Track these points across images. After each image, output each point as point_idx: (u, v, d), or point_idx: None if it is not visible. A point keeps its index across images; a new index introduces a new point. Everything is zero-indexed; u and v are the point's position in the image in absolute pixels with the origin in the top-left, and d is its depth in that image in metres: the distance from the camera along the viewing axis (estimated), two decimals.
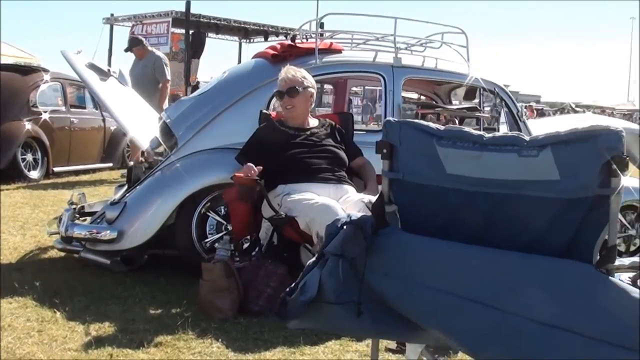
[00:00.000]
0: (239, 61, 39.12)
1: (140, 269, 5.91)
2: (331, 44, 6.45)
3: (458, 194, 2.68)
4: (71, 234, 5.82)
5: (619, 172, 2.41)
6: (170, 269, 5.97)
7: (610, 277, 2.46)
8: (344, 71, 6.43)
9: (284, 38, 35.19)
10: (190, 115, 6.19)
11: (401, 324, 2.70)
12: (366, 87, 28.95)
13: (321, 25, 12.01)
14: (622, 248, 6.89)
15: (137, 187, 5.98)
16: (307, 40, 6.82)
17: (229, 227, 5.81)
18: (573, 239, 2.54)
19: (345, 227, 2.75)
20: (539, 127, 6.72)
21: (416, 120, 2.75)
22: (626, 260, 2.59)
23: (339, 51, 6.41)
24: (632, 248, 6.94)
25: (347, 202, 5.11)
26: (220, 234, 5.85)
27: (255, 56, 6.79)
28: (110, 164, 13.01)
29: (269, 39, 35.89)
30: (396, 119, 2.81)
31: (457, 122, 7.32)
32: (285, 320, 2.76)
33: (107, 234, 5.69)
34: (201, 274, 5.00)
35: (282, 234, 5.23)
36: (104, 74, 6.39)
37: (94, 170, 12.75)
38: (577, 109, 49.01)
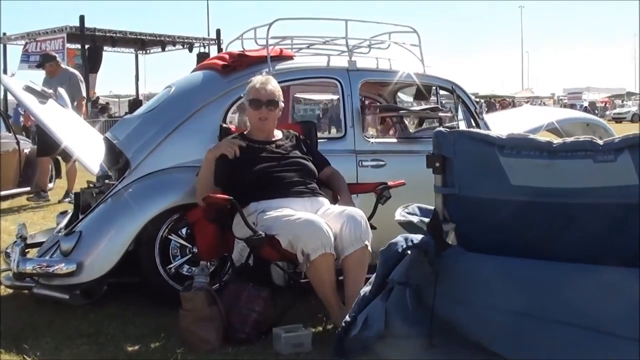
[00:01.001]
0: (137, 73, 38.67)
1: (100, 301, 5.53)
2: (281, 50, 6.19)
3: (524, 206, 2.49)
4: (24, 270, 5.40)
5: None
6: (133, 297, 5.64)
7: None
8: (298, 78, 6.13)
9: (181, 47, 35.01)
10: (140, 134, 5.84)
11: (476, 354, 2.49)
12: None
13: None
14: None
15: (90, 214, 5.60)
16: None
17: (194, 250, 5.51)
18: None
19: (408, 251, 2.52)
20: (492, 124, 6.61)
21: (473, 130, 2.53)
22: None
23: (291, 57, 6.16)
24: None
25: (327, 215, 4.88)
26: (185, 258, 5.54)
27: (200, 67, 6.47)
28: (28, 188, 12.39)
29: (167, 49, 35.61)
30: (448, 130, 2.60)
31: (406, 123, 7.18)
32: (345, 358, 2.51)
33: (65, 268, 5.28)
34: (180, 303, 4.70)
35: (260, 254, 4.95)
36: (42, 97, 5.98)
37: (12, 196, 12.11)
38: (477, 99, 49.96)
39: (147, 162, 5.66)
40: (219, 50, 33.77)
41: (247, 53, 6.13)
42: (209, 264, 5.47)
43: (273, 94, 5.25)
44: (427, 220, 2.84)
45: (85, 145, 5.92)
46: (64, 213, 6.82)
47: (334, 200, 5.29)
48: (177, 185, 5.57)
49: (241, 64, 5.96)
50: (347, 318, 2.55)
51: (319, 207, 5.07)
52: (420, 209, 3.17)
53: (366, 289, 2.60)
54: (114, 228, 5.40)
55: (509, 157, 2.46)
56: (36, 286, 5.50)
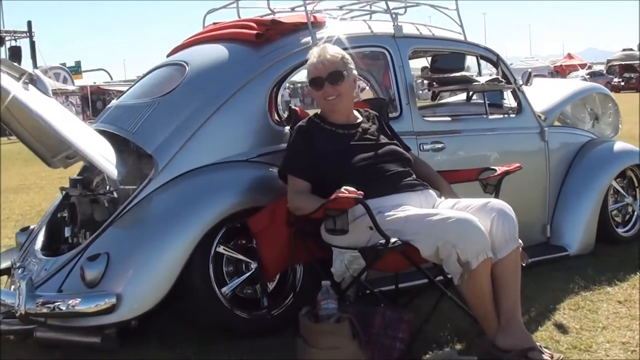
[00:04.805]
0: None
1: (134, 341, 4.30)
2: (314, 16, 5.10)
3: None
4: (34, 311, 4.06)
5: None
6: (169, 330, 4.47)
7: None
8: (344, 48, 4.98)
9: None
10: (160, 126, 4.59)
11: None
12: None
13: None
14: (619, 219, 6.25)
15: (110, 229, 4.33)
16: None
17: (252, 266, 4.37)
18: None
19: None
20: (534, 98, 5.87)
21: None
22: None
23: (322, 24, 5.10)
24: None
25: (461, 210, 3.87)
26: (244, 276, 4.39)
27: (213, 38, 5.23)
28: None
29: None
30: None
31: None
32: None
33: (96, 304, 4.01)
34: (307, 339, 3.57)
35: (379, 266, 3.89)
36: (21, 78, 4.50)
37: None
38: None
39: (179, 160, 4.46)
40: (32, 43, 31.61)
41: (279, 19, 5.00)
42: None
43: (334, 63, 4.17)
44: None
45: (91, 143, 4.57)
46: (25, 230, 5.41)
47: None
48: (230, 187, 4.41)
49: (275, 33, 4.85)
50: None
51: (434, 201, 4.10)
52: None
53: None
54: (160, 245, 4.15)
55: None
56: (39, 328, 4.19)
